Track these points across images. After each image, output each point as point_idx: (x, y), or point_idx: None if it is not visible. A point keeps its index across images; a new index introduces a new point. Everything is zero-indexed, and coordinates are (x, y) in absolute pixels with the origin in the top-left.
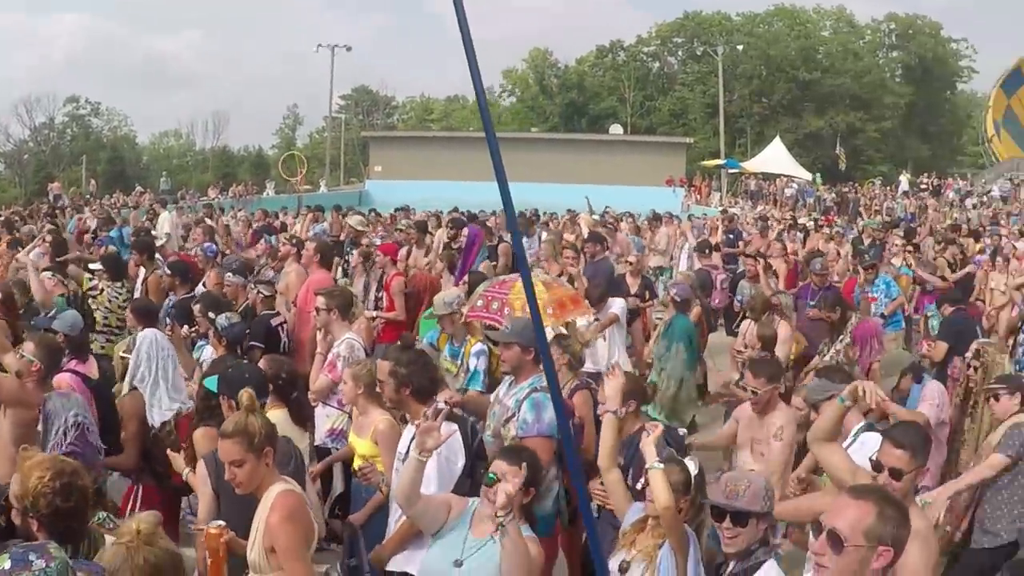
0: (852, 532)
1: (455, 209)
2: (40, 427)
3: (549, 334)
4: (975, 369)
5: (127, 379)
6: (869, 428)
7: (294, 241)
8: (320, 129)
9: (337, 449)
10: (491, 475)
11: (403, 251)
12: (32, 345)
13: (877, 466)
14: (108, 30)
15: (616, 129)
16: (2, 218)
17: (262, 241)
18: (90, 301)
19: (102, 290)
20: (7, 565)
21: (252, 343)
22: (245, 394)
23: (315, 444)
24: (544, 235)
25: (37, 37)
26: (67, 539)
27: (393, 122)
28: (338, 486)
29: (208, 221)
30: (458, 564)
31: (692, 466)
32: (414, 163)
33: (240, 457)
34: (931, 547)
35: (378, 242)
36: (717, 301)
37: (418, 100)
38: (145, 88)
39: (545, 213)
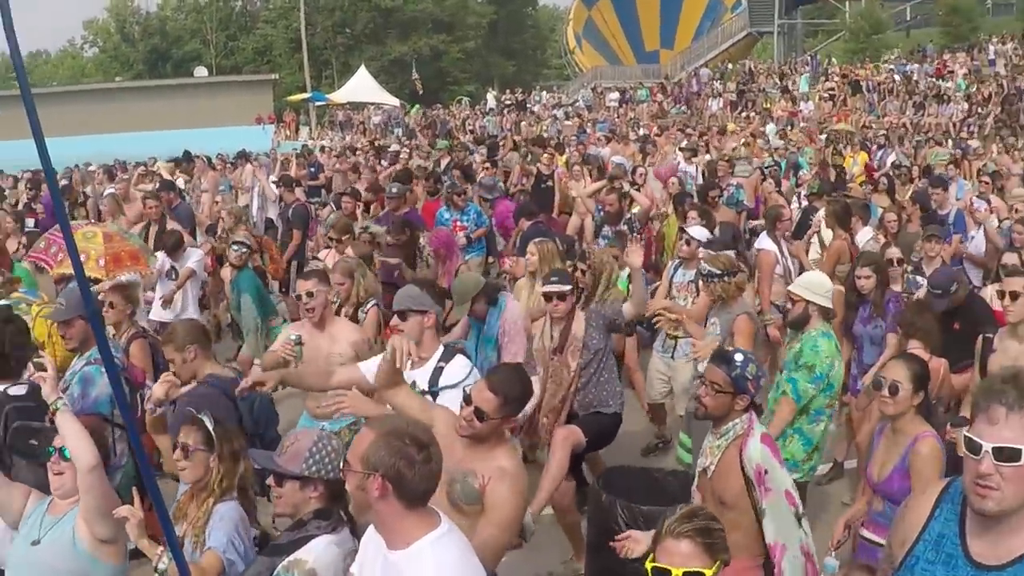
0: (352, 457)
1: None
2: None
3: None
4: (583, 272)
5: None
6: (449, 353)
7: None
8: None
9: None
10: (50, 449)
11: None
12: None
13: (468, 398)
14: None
15: (201, 72)
16: None
17: None
18: None
19: None
20: None
21: None
22: None
23: None
24: (108, 189)
25: None
26: None
27: None
28: None
29: None
30: (35, 543)
31: (207, 421)
32: None
33: None
34: (521, 482)
35: None
36: (316, 234)
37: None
38: None
39: (123, 164)
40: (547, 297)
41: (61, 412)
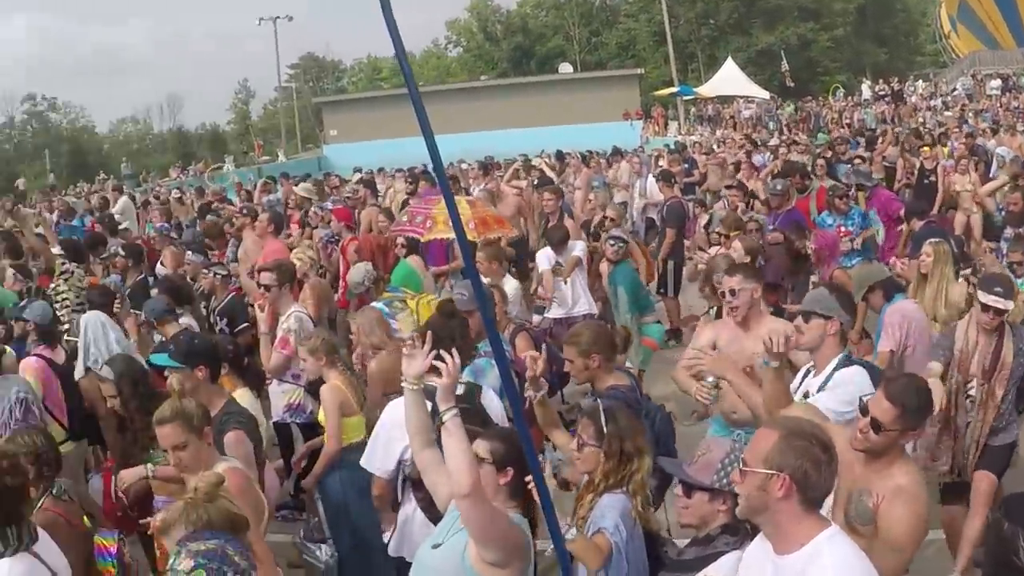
0: (753, 458)
1: (426, 167)
2: None
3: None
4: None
5: (80, 363)
6: (847, 362)
7: (245, 211)
8: (273, 100)
9: (297, 423)
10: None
11: (359, 213)
12: None
13: (864, 409)
14: (56, 27)
15: (566, 68)
16: None
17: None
18: (62, 283)
19: (72, 272)
20: None
21: (242, 325)
22: (173, 378)
23: (273, 420)
24: (478, 187)
25: None
26: (13, 519)
27: (344, 85)
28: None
29: (172, 199)
30: (436, 546)
31: (602, 416)
32: (368, 124)
33: (183, 440)
34: (919, 503)
35: (329, 206)
36: (695, 232)
37: (365, 60)
38: (99, 79)
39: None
40: (984, 308)
41: (447, 428)
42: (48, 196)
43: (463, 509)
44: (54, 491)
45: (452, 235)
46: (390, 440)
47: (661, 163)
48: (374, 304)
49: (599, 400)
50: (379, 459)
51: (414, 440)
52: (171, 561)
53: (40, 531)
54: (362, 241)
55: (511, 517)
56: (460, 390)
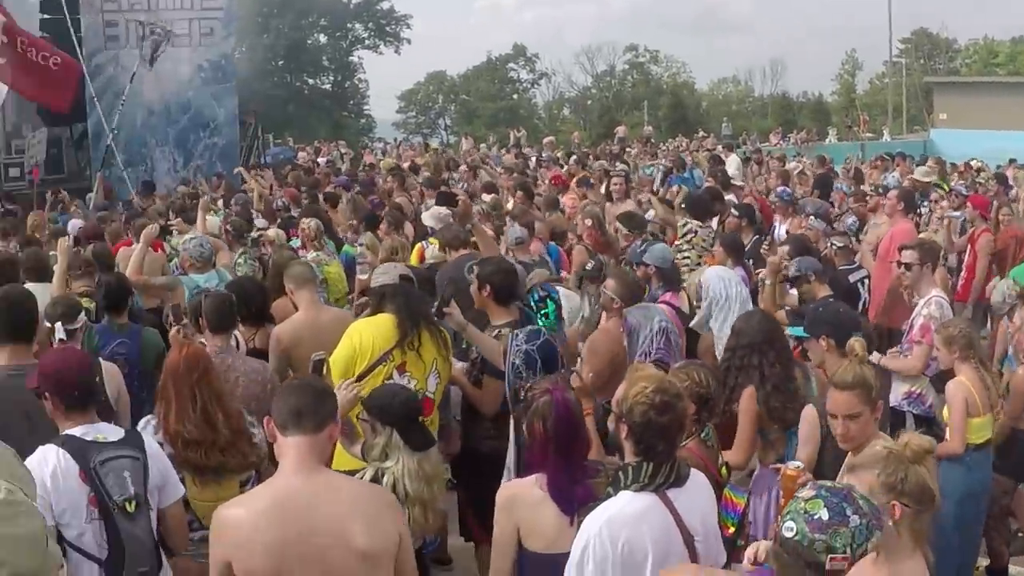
0: None
1: None
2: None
3: None
4: None
5: (700, 320)
6: None
7: (880, 190)
8: (880, 75)
9: (913, 413)
10: None
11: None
12: (613, 282)
13: None
14: None
15: None
16: (575, 157)
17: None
18: (684, 243)
19: (696, 232)
20: (825, 516)
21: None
22: (857, 343)
23: (890, 405)
24: None
25: None
26: (650, 456)
27: (956, 67)
28: None
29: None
30: None
31: None
32: (981, 111)
33: (858, 410)
34: None
35: (964, 192)
36: None
37: (981, 42)
38: (700, 36)
39: None
40: None
41: None
42: (644, 146)
43: None
44: (702, 435)
45: None
46: None
47: None
48: None
49: None
50: None
51: None
52: (800, 490)
53: (696, 479)
54: (1001, 235)
55: None
56: None
